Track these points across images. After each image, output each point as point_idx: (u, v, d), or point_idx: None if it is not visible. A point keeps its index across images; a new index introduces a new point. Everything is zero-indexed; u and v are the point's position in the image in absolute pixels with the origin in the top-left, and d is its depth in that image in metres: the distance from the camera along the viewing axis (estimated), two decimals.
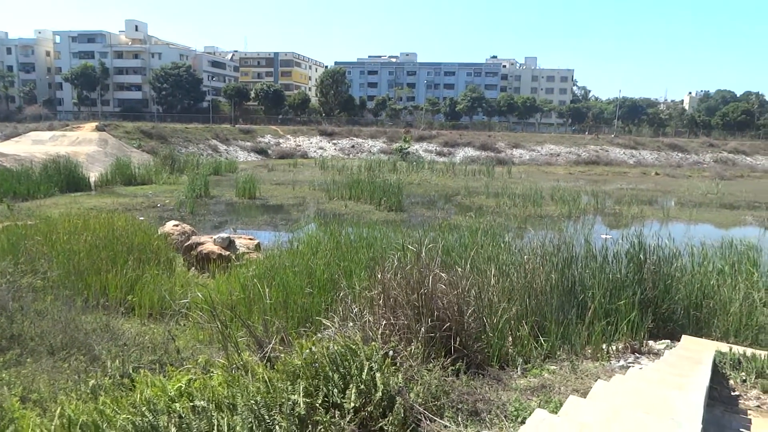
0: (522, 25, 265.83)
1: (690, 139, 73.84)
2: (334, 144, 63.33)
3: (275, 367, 4.05)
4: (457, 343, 5.65)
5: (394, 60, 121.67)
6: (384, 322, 5.63)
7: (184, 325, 7.34)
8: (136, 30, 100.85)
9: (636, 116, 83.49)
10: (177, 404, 3.42)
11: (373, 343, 4.86)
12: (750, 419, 4.92)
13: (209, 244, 12.49)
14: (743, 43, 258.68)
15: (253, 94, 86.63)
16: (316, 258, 8.83)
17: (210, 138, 58.00)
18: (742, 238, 13.30)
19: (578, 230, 17.63)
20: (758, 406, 5.49)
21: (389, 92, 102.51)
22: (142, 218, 16.94)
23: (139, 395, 3.59)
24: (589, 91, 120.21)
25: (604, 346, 6.74)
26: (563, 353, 6.48)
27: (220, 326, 5.25)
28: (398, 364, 4.69)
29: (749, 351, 6.83)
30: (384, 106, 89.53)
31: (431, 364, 4.86)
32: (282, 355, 4.34)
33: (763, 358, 6.58)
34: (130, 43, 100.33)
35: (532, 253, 8.70)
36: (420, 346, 5.34)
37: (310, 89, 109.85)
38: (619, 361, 6.31)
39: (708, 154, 65.11)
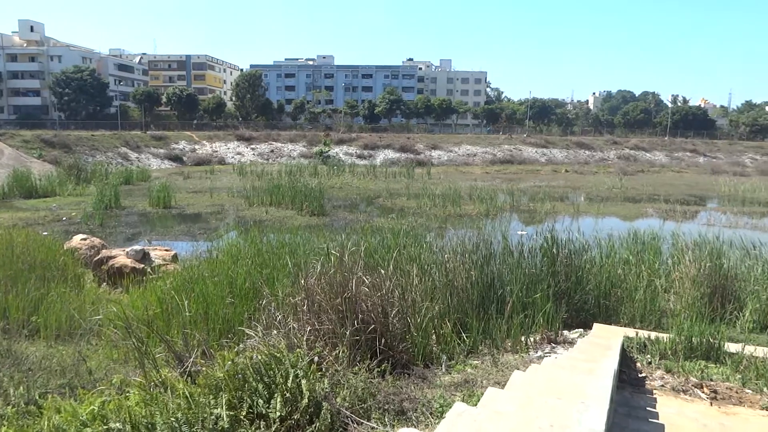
0: (436, 27, 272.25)
1: (595, 137, 78.27)
2: (253, 149, 62.11)
3: (197, 381, 3.92)
4: (383, 344, 5.70)
5: (311, 62, 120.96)
6: (309, 327, 5.59)
7: (97, 344, 6.95)
8: (32, 31, 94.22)
9: (546, 116, 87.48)
10: (89, 429, 3.24)
11: (298, 349, 4.81)
12: (655, 398, 5.28)
13: (121, 257, 11.91)
14: (641, 44, 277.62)
15: (164, 99, 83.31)
16: (237, 266, 8.63)
17: (119, 146, 55.26)
18: (645, 229, 14.20)
19: (496, 228, 18.24)
20: (662, 386, 5.90)
21: (307, 95, 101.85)
22: (45, 233, 15.87)
23: (46, 422, 3.36)
24: (502, 92, 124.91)
25: (523, 338, 7.01)
26: (485, 348, 6.68)
27: (135, 343, 5.02)
28: (324, 370, 4.67)
29: (653, 335, 7.33)
30: (302, 110, 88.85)
31: (357, 367, 4.87)
32: (204, 369, 4.21)
33: (665, 340, 7.08)
34: (25, 45, 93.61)
35: (453, 252, 8.91)
36: (345, 350, 5.34)
37: (225, 93, 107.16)
38: (537, 352, 6.59)
39: (612, 151, 69.26)
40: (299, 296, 6.04)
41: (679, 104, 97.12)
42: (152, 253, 12.38)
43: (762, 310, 8.99)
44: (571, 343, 7.01)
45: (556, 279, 8.67)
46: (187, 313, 6.70)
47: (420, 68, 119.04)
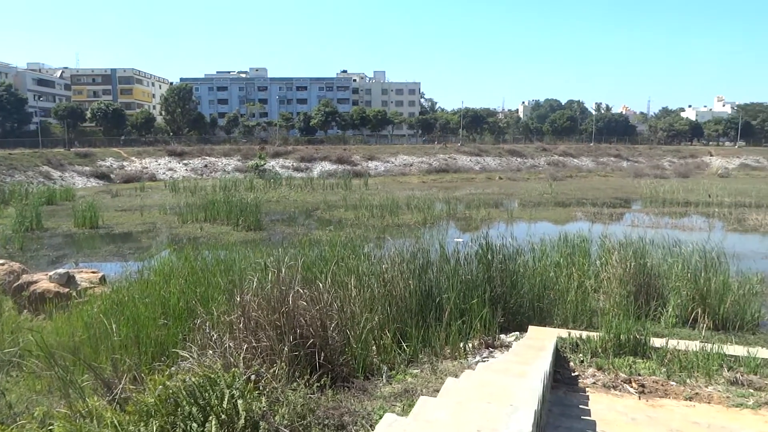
0: (370, 39, 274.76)
1: (526, 144, 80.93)
2: (185, 164, 60.43)
3: (126, 409, 3.75)
4: (322, 358, 5.65)
5: (244, 75, 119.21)
6: (246, 345, 5.47)
7: (17, 376, 6.53)
8: None
9: (478, 125, 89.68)
10: None
11: (234, 368, 4.69)
12: (588, 395, 5.48)
13: (44, 282, 11.28)
14: (566, 55, 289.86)
15: (89, 114, 79.72)
16: (170, 286, 8.34)
17: (41, 164, 52.45)
18: (575, 232, 14.73)
19: (433, 236, 18.51)
20: (594, 383, 6.13)
21: (241, 108, 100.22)
22: None
23: None
24: (436, 102, 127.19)
25: (461, 344, 7.11)
26: (425, 356, 6.73)
27: (59, 372, 4.76)
28: (262, 388, 4.57)
29: (585, 334, 7.61)
30: (236, 123, 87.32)
31: (296, 383, 4.80)
32: (134, 395, 4.04)
33: (596, 339, 7.36)
34: None
35: (391, 262, 8.93)
36: (284, 366, 5.25)
37: (154, 107, 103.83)
38: (475, 357, 6.70)
39: (542, 157, 71.75)
40: (235, 314, 5.90)
41: (602, 111, 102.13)
42: (78, 276, 11.79)
43: (683, 306, 9.51)
44: (508, 346, 7.18)
45: (492, 284, 8.87)
46: (117, 338, 6.42)
47: (354, 80, 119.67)
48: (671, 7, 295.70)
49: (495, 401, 2.15)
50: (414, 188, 41.81)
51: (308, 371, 5.37)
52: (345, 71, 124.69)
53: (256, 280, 6.24)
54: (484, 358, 6.59)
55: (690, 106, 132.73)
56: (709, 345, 7.23)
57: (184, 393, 3.76)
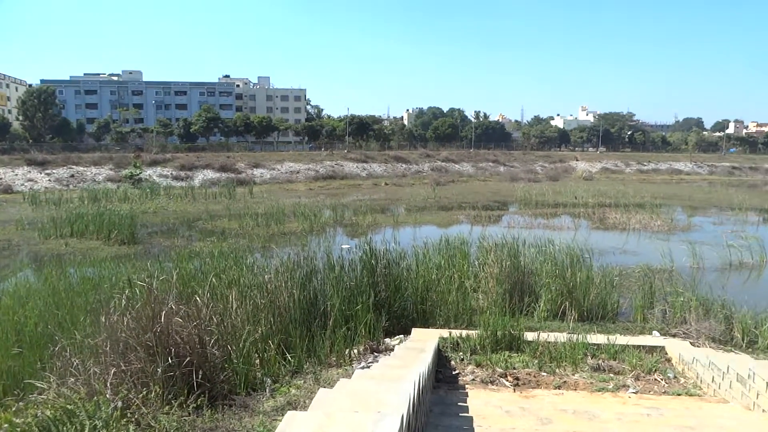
0: (253, 44, 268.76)
1: (411, 151, 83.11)
2: (48, 174, 55.41)
3: None
4: (200, 376, 5.38)
5: (115, 78, 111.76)
6: (113, 370, 5.08)
7: None
8: None
9: (364, 132, 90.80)
10: None
11: (99, 396, 4.34)
12: (467, 392, 5.68)
13: None
14: (446, 64, 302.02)
15: None
16: (26, 310, 7.57)
17: None
18: (456, 234, 15.30)
19: (320, 244, 18.43)
20: (473, 380, 6.37)
21: (113, 114, 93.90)
22: None
23: None
24: (322, 109, 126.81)
25: (347, 351, 7.11)
26: (310, 366, 6.64)
27: None
28: (130, 415, 4.26)
29: (465, 333, 7.91)
30: (108, 130, 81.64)
31: (170, 406, 4.53)
32: None
33: (475, 337, 7.67)
34: None
35: (275, 272, 8.77)
36: (158, 389, 4.95)
37: (10, 112, 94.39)
38: (360, 363, 6.71)
39: (426, 163, 74.06)
40: (101, 336, 5.46)
41: (481, 119, 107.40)
42: None
43: (553, 300, 10.19)
44: (393, 350, 7.27)
45: (377, 289, 8.97)
46: None
47: (238, 85, 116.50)
48: (536, 27, 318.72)
49: (364, 409, 2.14)
50: (301, 195, 41.44)
51: (185, 392, 5.09)
52: (227, 76, 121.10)
53: (124, 298, 5.81)
54: (369, 363, 6.62)
55: (558, 115, 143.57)
56: (575, 335, 7.80)
57: (37, 429, 3.40)
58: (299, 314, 7.78)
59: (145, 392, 4.60)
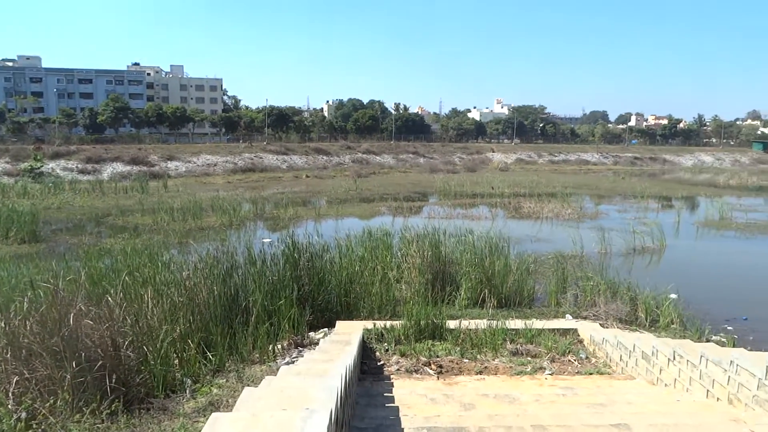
0: (164, 31, 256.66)
1: (332, 143, 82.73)
2: None
3: None
4: (114, 381, 5.11)
5: (10, 64, 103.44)
6: (15, 378, 4.73)
7: None
8: None
9: (284, 124, 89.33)
10: None
11: (0, 407, 4.02)
12: (392, 382, 5.73)
13: None
14: (365, 56, 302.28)
15: None
16: None
17: None
18: (378, 226, 15.38)
19: (240, 238, 17.99)
20: (398, 370, 6.44)
21: (8, 102, 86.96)
22: None
23: None
24: (240, 100, 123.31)
25: (270, 347, 6.99)
26: (232, 363, 6.48)
27: None
28: (36, 425, 3.98)
29: (389, 323, 7.98)
30: (3, 119, 75.63)
31: (81, 414, 4.27)
32: None
33: (399, 327, 7.75)
34: None
35: (194, 268, 8.48)
36: (67, 396, 4.66)
37: None
38: (284, 359, 6.63)
39: (347, 155, 73.97)
40: (0, 342, 5.07)
41: (401, 111, 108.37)
42: None
43: (473, 288, 10.48)
44: (318, 344, 7.22)
45: (300, 283, 8.89)
46: None
47: (149, 74, 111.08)
48: (451, 21, 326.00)
49: (291, 407, 2.09)
50: (219, 189, 40.21)
51: (98, 397, 4.82)
52: (137, 64, 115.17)
53: (26, 300, 5.41)
54: (294, 358, 6.55)
55: (475, 108, 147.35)
56: (495, 322, 8.07)
57: None
58: (220, 311, 7.56)
59: (52, 400, 4.32)
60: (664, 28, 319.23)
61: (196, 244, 15.38)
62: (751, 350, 5.99)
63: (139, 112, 79.73)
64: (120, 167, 54.61)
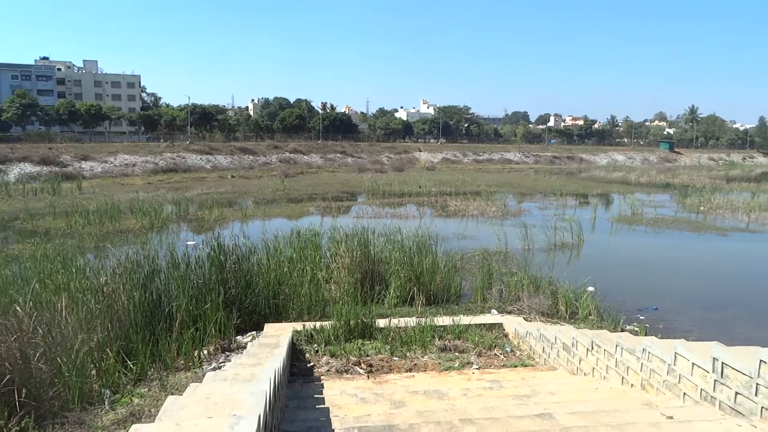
0: (76, 24, 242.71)
1: (258, 142, 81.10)
2: None
3: None
4: (24, 395, 4.79)
5: None
6: None
7: None
8: None
9: (208, 122, 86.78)
10: None
11: None
12: (322, 383, 5.69)
13: None
14: (292, 55, 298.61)
15: None
16: None
17: None
18: (307, 226, 15.23)
19: (163, 241, 17.32)
20: (328, 371, 6.40)
21: None
22: None
23: None
24: (160, 98, 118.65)
25: (196, 353, 6.77)
26: (155, 372, 6.23)
27: None
28: None
29: (319, 324, 7.92)
30: None
31: None
32: None
33: (329, 328, 7.71)
34: None
35: (112, 274, 8.08)
36: None
37: None
38: (211, 364, 6.44)
39: (274, 155, 72.79)
40: None
41: (328, 111, 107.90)
42: None
43: (402, 286, 10.59)
44: (246, 347, 7.07)
45: (227, 286, 8.66)
46: None
47: (59, 69, 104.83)
48: (379, 20, 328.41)
49: (218, 414, 2.03)
50: (138, 190, 38.49)
51: (6, 414, 4.50)
52: (46, 58, 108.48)
53: None
54: (221, 363, 6.38)
55: (402, 108, 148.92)
56: (424, 319, 8.19)
57: None
58: (141, 317, 7.24)
59: None
60: (578, 30, 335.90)
61: (114, 248, 14.64)
62: (661, 338, 6.40)
63: (49, 109, 75.12)
64: (29, 168, 51.22)
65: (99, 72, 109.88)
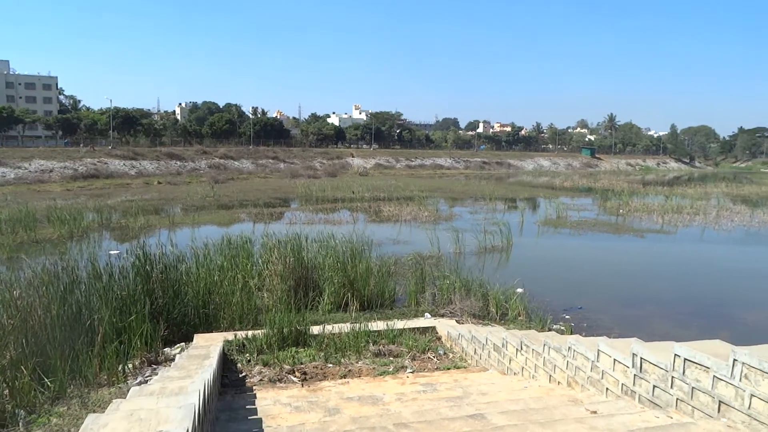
0: None
1: (186, 147, 78.68)
2: None
3: None
4: None
5: None
6: None
7: None
8: None
9: (132, 127, 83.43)
10: None
11: None
12: (255, 394, 5.57)
13: None
14: (217, 57, 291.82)
15: None
16: None
17: None
18: (238, 233, 14.89)
19: (83, 250, 16.48)
20: (261, 380, 6.28)
21: None
22: None
23: None
24: (80, 100, 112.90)
25: (120, 367, 6.47)
26: (75, 389, 5.89)
27: None
28: None
29: (251, 333, 7.77)
30: None
31: None
32: None
33: (261, 336, 7.57)
34: None
35: (27, 286, 7.60)
36: None
37: None
38: (137, 378, 6.17)
39: (203, 161, 70.85)
40: None
41: (259, 116, 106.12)
42: None
43: (336, 292, 10.55)
44: (174, 359, 6.82)
45: (153, 296, 8.34)
46: None
47: None
48: (309, 23, 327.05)
49: (143, 431, 1.94)
50: (56, 197, 36.42)
51: None
52: None
53: None
54: (147, 377, 6.12)
55: (334, 113, 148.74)
56: (358, 325, 8.18)
57: None
58: (59, 332, 6.84)
59: None
60: (505, 39, 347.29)
61: (29, 259, 13.79)
62: (585, 336, 6.69)
63: None
64: None
65: (11, 72, 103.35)
